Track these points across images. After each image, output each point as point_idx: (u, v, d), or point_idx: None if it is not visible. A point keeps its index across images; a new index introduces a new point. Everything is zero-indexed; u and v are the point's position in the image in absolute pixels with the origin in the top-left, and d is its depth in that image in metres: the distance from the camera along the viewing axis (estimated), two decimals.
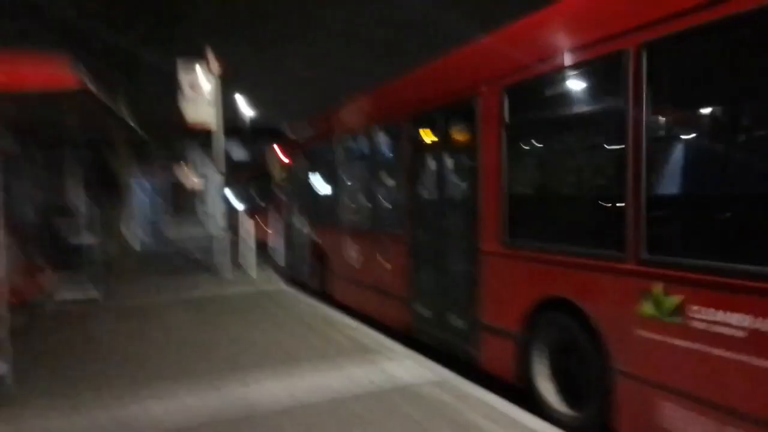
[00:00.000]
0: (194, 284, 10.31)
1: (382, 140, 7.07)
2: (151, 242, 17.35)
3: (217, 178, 11.12)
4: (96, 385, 4.75)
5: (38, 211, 9.14)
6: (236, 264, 11.36)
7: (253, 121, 40.90)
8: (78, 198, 9.28)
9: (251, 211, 15.13)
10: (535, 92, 4.39)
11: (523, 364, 4.37)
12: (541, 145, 4.62)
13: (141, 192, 17.54)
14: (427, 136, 6.05)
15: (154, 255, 15.17)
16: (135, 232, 14.95)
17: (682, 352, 3.11)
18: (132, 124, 9.37)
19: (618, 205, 3.52)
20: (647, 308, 3.31)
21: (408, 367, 5.06)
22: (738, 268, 2.82)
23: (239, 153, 34.55)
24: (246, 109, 40.17)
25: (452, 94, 5.41)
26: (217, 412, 4.11)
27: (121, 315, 7.70)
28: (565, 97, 4.12)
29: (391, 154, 6.93)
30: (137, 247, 15.16)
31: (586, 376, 3.82)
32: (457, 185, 5.63)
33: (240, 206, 18.70)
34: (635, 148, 3.40)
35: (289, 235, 10.93)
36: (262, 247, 12.99)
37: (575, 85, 4.02)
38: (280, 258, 11.69)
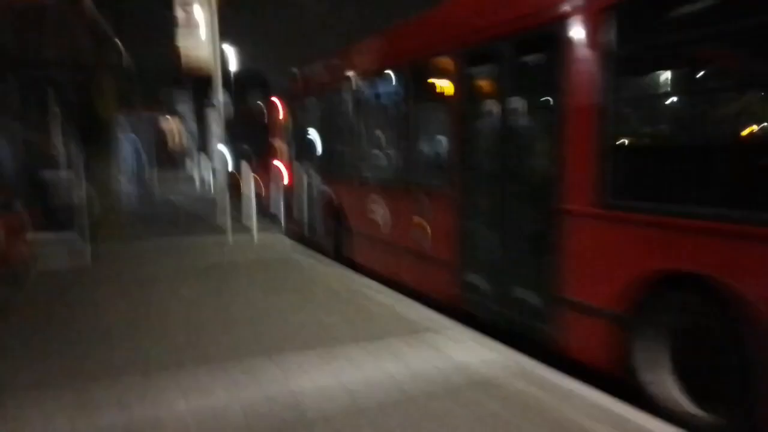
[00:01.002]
0: (196, 249, 9.19)
1: (422, 79, 6.05)
2: (140, 200, 16.24)
3: (216, 129, 10.03)
4: (99, 375, 3.88)
5: (18, 160, 7.98)
6: (239, 225, 10.38)
7: (236, 73, 39.19)
8: (61, 147, 8.14)
9: (245, 167, 14.04)
10: (661, 7, 3.46)
11: (629, 351, 3.61)
12: (670, 79, 3.70)
13: (127, 143, 16.30)
14: (486, 73, 5.11)
15: (146, 215, 14.03)
16: (124, 189, 13.87)
17: None
18: (121, 48, 8.19)
19: None
20: None
21: (473, 350, 4.29)
22: None
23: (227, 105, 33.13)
24: (231, 60, 38.42)
25: (529, 18, 4.44)
26: (255, 410, 3.32)
27: (116, 285, 6.69)
28: (714, 11, 3.19)
29: (433, 96, 5.91)
30: (127, 205, 14.11)
31: (732, 374, 3.05)
32: (529, 132, 4.71)
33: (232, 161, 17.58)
34: None
35: (298, 191, 9.99)
36: (260, 204, 12.02)
37: None
38: (285, 217, 10.77)
